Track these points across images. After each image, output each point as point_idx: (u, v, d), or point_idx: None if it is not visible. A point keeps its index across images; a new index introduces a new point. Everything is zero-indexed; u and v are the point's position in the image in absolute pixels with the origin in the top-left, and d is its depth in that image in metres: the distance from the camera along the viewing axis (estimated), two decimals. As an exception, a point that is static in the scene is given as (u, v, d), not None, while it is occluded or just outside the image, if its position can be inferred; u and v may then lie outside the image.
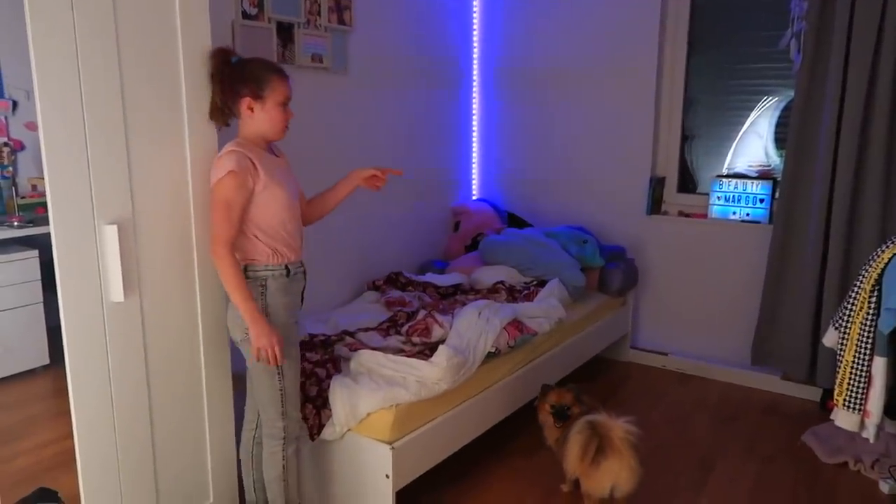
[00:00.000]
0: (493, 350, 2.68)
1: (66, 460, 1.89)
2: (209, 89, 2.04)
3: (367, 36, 3.40)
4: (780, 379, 3.58)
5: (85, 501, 1.86)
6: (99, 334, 1.84)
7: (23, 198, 3.37)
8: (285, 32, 2.97)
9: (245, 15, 2.79)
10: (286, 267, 2.07)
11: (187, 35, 1.97)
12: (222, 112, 2.06)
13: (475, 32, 4.23)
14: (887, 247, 2.29)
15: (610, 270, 3.69)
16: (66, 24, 1.69)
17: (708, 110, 3.86)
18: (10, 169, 3.37)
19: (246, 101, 2.01)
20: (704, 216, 3.76)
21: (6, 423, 1.62)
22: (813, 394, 3.48)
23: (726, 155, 3.81)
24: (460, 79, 4.19)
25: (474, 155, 4.38)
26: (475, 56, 4.26)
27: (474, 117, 4.34)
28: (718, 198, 3.71)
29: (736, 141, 3.78)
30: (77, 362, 1.80)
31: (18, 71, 3.54)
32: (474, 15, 4.20)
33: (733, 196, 3.68)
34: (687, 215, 3.83)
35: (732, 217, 3.68)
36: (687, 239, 3.81)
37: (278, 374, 2.06)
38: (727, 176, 3.73)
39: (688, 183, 3.96)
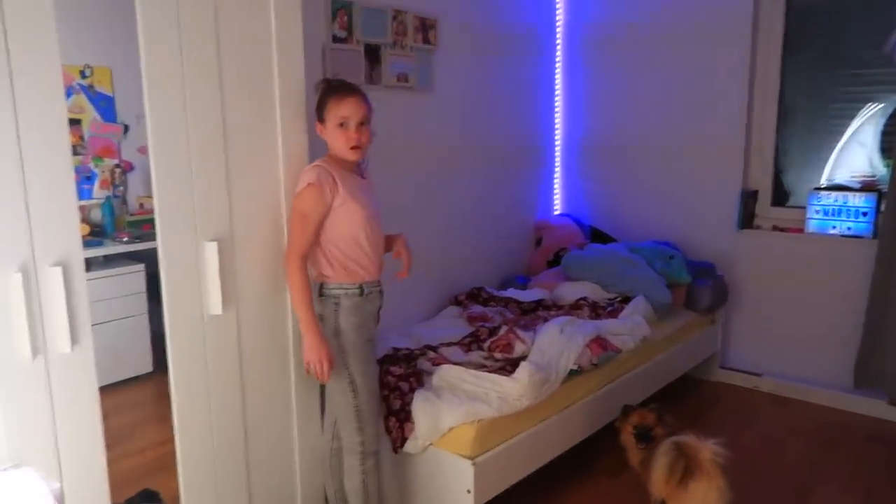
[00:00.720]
0: (575, 367, 2.66)
1: (168, 464, 2.01)
2: (303, 111, 2.14)
3: (452, 54, 3.46)
4: (887, 404, 3.35)
5: (185, 501, 1.97)
6: (199, 345, 1.96)
7: (131, 215, 3.61)
8: (373, 53, 3.07)
9: (335, 38, 2.90)
10: (360, 286, 2.10)
11: (282, 61, 2.08)
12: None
13: (558, 43, 4.22)
14: None
15: (698, 287, 3.57)
16: (174, 55, 1.82)
17: (805, 119, 3.69)
18: (122, 188, 3.64)
19: (317, 126, 2.09)
20: (801, 231, 3.59)
21: (114, 426, 1.74)
22: (924, 421, 3.25)
23: (824, 166, 3.63)
24: (545, 92, 4.19)
25: (557, 169, 4.36)
26: (558, 65, 4.24)
27: (558, 131, 4.32)
28: (817, 211, 3.54)
29: (836, 151, 3.59)
30: (179, 371, 1.92)
31: (130, 97, 3.81)
32: (558, 41, 4.19)
33: (833, 209, 3.50)
34: (782, 230, 3.67)
35: (832, 231, 3.50)
36: (782, 254, 3.64)
37: (352, 391, 2.11)
38: (826, 188, 3.55)
39: (782, 196, 3.79)
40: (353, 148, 2.05)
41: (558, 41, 4.21)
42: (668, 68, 3.87)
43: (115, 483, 1.77)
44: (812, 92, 3.65)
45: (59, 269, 1.62)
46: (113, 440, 1.74)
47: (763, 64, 3.65)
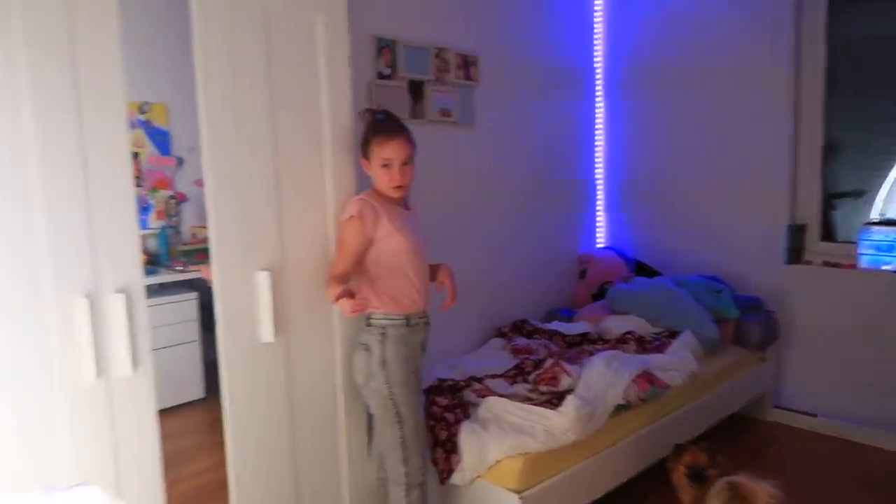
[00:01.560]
0: (623, 402, 2.62)
1: (219, 489, 2.04)
2: (351, 145, 2.19)
3: (493, 90, 3.52)
4: (951, 448, 3.20)
5: (234, 529, 1.99)
6: (251, 372, 1.99)
7: (185, 244, 3.73)
8: (416, 89, 3.14)
9: (380, 75, 2.99)
10: (406, 317, 2.12)
11: (331, 98, 2.15)
12: None
13: (598, 81, 4.25)
14: None
15: (747, 322, 3.49)
16: (229, 93, 1.90)
17: (854, 154, 3.63)
18: (176, 219, 3.77)
19: (362, 160, 2.14)
20: (853, 266, 3.50)
21: (167, 450, 1.78)
22: None
23: (875, 201, 3.55)
24: (586, 127, 4.21)
25: (600, 202, 4.36)
26: (599, 99, 4.27)
27: (599, 164, 4.32)
28: (868, 247, 3.44)
29: (886, 186, 3.51)
30: (233, 396, 1.95)
31: (184, 132, 3.96)
32: (598, 77, 4.23)
33: (885, 245, 3.40)
34: (833, 265, 3.57)
35: (885, 268, 3.39)
36: (835, 291, 3.54)
37: (398, 422, 2.11)
38: (878, 223, 3.46)
39: (832, 231, 3.71)
40: (396, 187, 2.10)
41: (598, 77, 4.23)
42: (710, 102, 3.86)
43: (169, 506, 1.80)
44: (858, 127, 3.59)
45: (121, 296, 1.68)
46: (166, 464, 1.78)
47: (806, 99, 3.60)
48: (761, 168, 3.72)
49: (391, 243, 2.08)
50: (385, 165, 2.08)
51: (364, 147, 2.13)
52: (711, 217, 3.92)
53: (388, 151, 2.07)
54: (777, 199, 3.69)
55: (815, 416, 3.62)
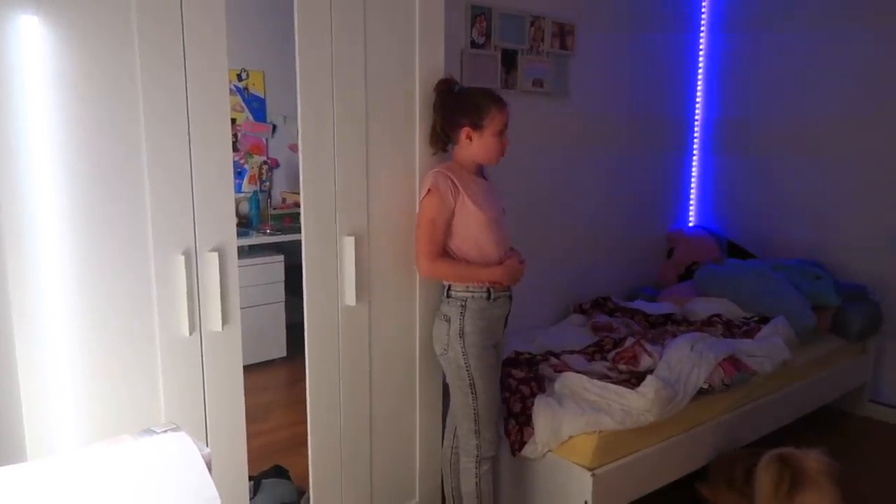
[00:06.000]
0: (705, 386, 2.53)
1: (296, 444, 2.13)
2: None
3: (588, 60, 3.41)
4: None
5: (312, 481, 2.07)
6: (333, 334, 2.05)
7: (275, 209, 3.86)
8: (509, 59, 3.09)
9: (473, 44, 2.95)
10: (488, 289, 2.11)
11: (423, 67, 2.15)
12: (441, 139, 2.17)
13: (702, 47, 4.05)
14: None
15: (848, 311, 3.29)
16: (326, 62, 1.93)
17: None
18: (268, 184, 3.90)
19: (465, 131, 2.09)
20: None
21: (249, 405, 1.87)
22: None
23: None
24: (681, 101, 4.03)
25: (693, 178, 4.18)
26: (701, 54, 4.07)
27: (696, 141, 4.14)
28: None
29: None
30: (315, 356, 2.02)
31: (279, 99, 4.07)
32: (702, 35, 4.03)
33: None
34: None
35: None
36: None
37: (472, 393, 2.12)
38: None
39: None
40: (502, 155, 2.12)
41: (702, 43, 4.03)
42: (836, 46, 3.51)
43: (249, 458, 1.90)
44: None
45: (215, 255, 1.76)
46: (248, 417, 1.87)
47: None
48: (885, 145, 3.40)
49: (467, 214, 2.08)
50: (500, 133, 2.09)
51: (477, 115, 2.07)
52: (814, 198, 3.67)
53: (506, 118, 2.09)
54: (890, 183, 3.41)
55: (916, 413, 3.40)
